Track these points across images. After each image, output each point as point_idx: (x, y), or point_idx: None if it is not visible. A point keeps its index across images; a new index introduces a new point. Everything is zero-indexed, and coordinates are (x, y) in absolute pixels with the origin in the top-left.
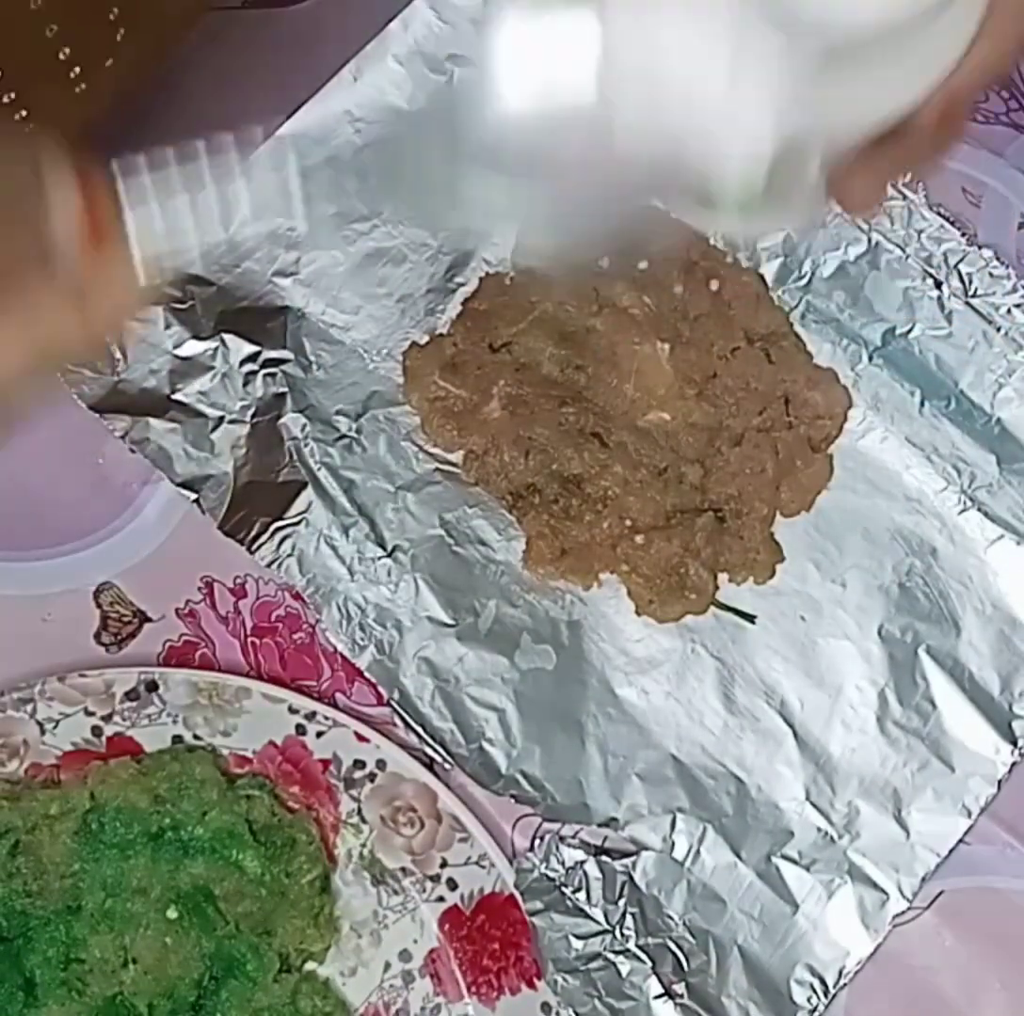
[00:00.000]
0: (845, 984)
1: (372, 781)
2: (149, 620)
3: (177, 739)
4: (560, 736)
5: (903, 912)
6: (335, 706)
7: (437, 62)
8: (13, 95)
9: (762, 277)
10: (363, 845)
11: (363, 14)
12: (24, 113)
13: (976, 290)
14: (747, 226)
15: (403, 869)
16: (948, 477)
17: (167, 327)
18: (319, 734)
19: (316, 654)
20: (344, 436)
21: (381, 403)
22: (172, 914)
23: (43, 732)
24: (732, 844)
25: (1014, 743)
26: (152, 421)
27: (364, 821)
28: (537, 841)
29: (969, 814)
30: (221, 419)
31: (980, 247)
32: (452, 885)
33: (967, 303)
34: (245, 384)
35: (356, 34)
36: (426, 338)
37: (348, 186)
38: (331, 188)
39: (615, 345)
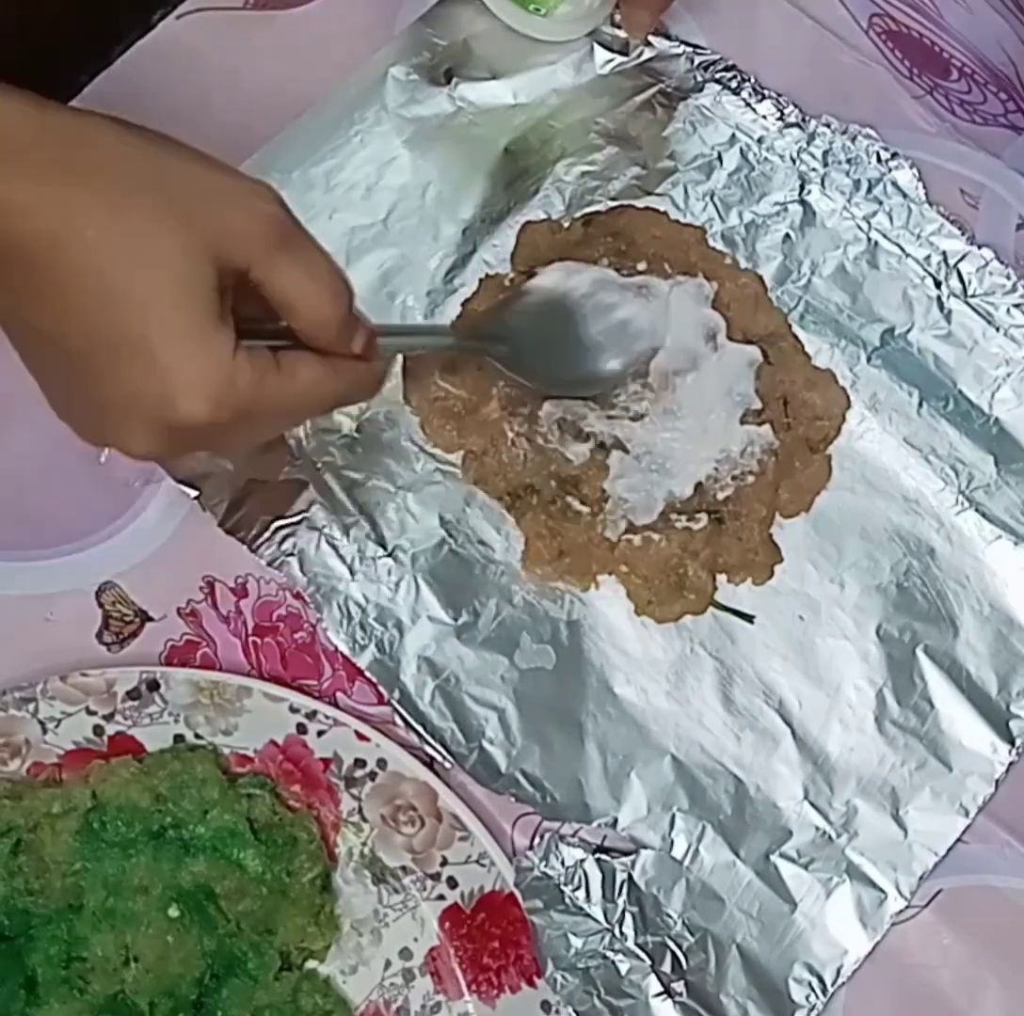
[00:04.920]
0: (844, 983)
1: (373, 780)
2: (151, 619)
3: (178, 738)
4: (559, 735)
5: (901, 911)
6: (336, 705)
7: (436, 74)
8: None
9: (760, 277)
10: (364, 844)
11: (363, 17)
12: None
13: (975, 290)
14: (562, 30)
15: (403, 867)
16: (946, 477)
17: None
18: (320, 733)
19: (317, 653)
20: (345, 436)
21: (381, 403)
22: (173, 912)
23: (45, 731)
24: (731, 843)
25: (1011, 742)
26: None
27: (365, 820)
28: (537, 840)
29: (967, 813)
30: None
31: (980, 247)
32: (452, 883)
33: (966, 303)
34: None
35: (356, 37)
36: None
37: (354, 196)
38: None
39: None
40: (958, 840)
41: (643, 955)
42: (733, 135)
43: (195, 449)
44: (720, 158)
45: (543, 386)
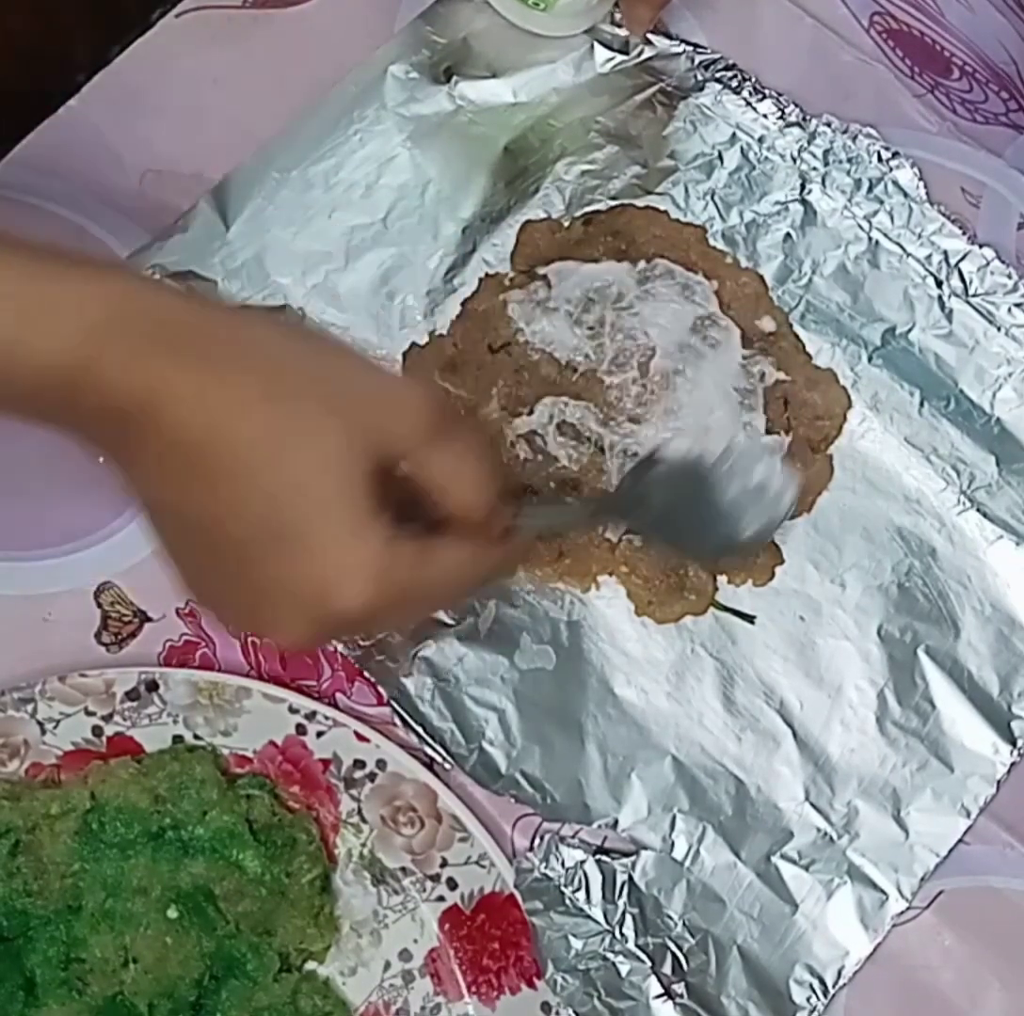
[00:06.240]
0: (845, 984)
1: (372, 781)
2: (149, 620)
3: (177, 739)
4: (560, 736)
5: (902, 912)
6: (335, 706)
7: (436, 72)
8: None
9: (761, 277)
10: (363, 845)
11: (362, 15)
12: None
13: (976, 289)
14: (561, 25)
15: (403, 869)
16: (947, 477)
17: None
18: (319, 734)
19: (316, 654)
20: None
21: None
22: (172, 914)
23: (44, 732)
24: (731, 844)
25: (1013, 743)
26: None
27: (364, 821)
28: (537, 841)
29: (968, 814)
30: None
31: (981, 246)
32: (452, 885)
33: (967, 302)
34: None
35: (356, 36)
36: (426, 338)
37: (353, 195)
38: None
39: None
40: (959, 841)
41: (644, 956)
42: (734, 134)
43: (345, 635)
44: (721, 157)
45: (684, 553)
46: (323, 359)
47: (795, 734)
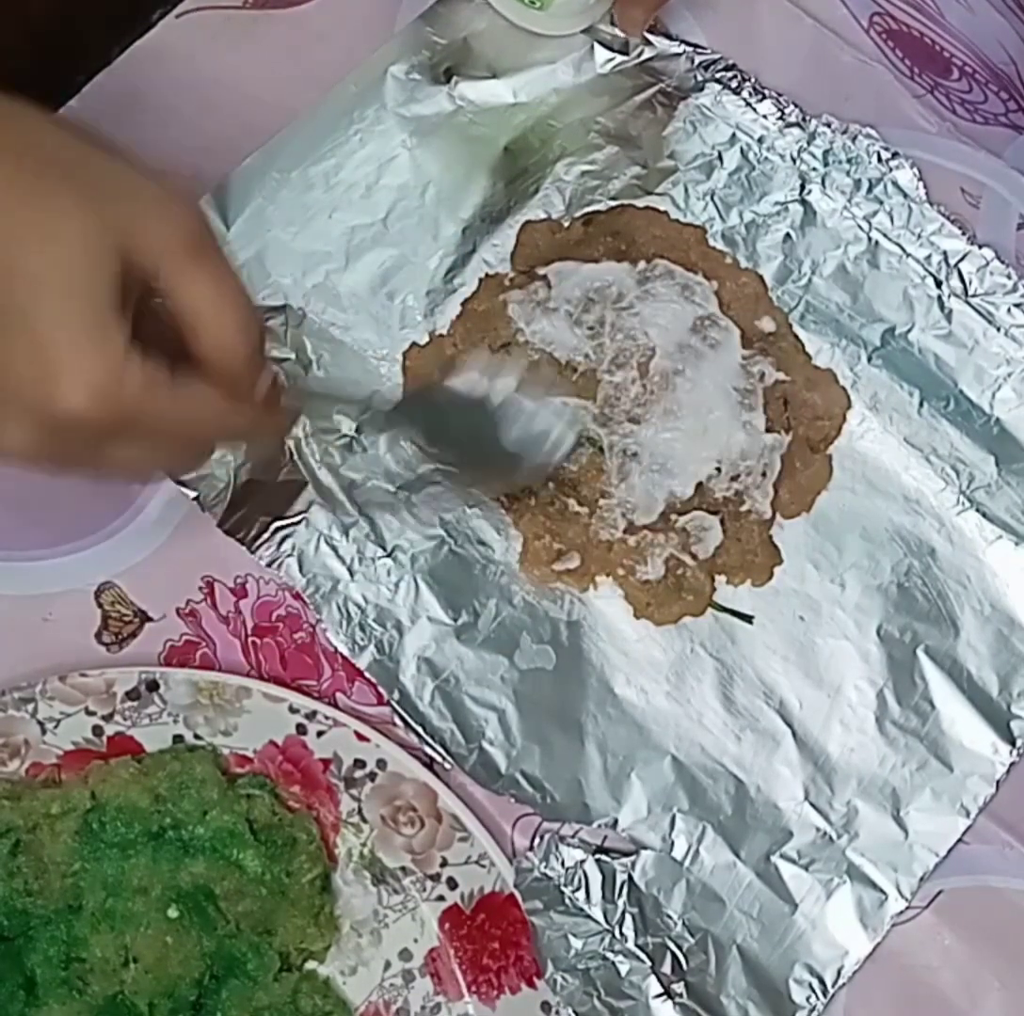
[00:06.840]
0: (844, 984)
1: (372, 780)
2: (150, 620)
3: (178, 738)
4: (560, 736)
5: (902, 912)
6: (335, 706)
7: (436, 72)
8: None
9: (761, 277)
10: (363, 844)
11: (362, 15)
12: None
13: (976, 289)
14: (559, 24)
15: (403, 868)
16: (947, 477)
17: None
18: (319, 734)
19: (316, 654)
20: (344, 436)
21: (381, 403)
22: (173, 913)
23: (44, 731)
24: (731, 844)
25: (1012, 743)
26: None
27: (364, 820)
28: (537, 840)
29: (968, 814)
30: None
31: (980, 246)
32: (452, 884)
33: (967, 302)
34: None
35: (356, 35)
36: (426, 338)
37: (353, 195)
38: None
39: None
40: (959, 841)
41: (643, 956)
42: (733, 134)
43: (74, 459)
44: (720, 157)
45: (459, 475)
46: (86, 150)
47: (795, 734)
